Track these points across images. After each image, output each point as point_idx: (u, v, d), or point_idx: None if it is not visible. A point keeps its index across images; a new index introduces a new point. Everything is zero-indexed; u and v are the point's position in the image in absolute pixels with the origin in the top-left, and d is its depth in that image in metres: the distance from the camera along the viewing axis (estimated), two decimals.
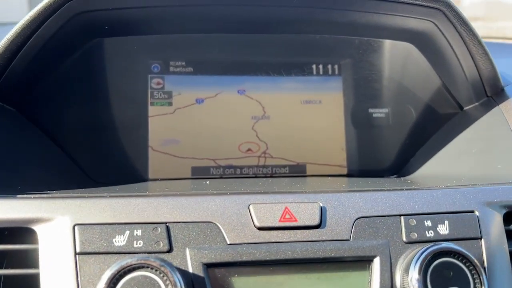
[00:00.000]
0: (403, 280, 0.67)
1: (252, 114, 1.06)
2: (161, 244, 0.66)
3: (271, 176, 1.05)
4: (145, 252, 0.65)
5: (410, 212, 0.72)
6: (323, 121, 1.08)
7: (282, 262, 0.67)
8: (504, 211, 0.75)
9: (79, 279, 0.63)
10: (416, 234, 0.71)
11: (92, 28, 0.93)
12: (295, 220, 0.69)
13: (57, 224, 0.66)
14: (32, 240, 0.67)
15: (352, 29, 1.01)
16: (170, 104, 1.04)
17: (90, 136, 1.00)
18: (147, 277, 0.61)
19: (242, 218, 0.69)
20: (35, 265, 0.65)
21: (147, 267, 0.61)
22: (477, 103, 1.00)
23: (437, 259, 0.66)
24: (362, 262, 0.69)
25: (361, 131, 1.08)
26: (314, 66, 1.09)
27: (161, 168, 1.02)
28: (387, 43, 1.06)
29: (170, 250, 0.66)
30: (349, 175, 1.06)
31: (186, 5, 0.90)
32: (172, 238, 0.66)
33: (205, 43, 1.05)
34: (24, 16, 0.83)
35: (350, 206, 0.72)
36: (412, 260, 0.66)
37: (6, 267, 0.67)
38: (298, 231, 0.69)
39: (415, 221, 0.71)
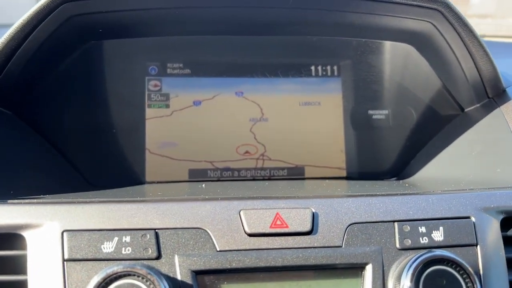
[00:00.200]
0: None
1: (250, 116, 1.05)
2: (150, 251, 0.65)
3: (269, 179, 1.04)
4: (133, 259, 0.64)
5: (404, 218, 0.71)
6: (322, 123, 1.06)
7: (273, 269, 0.66)
8: (501, 216, 0.74)
9: (66, 286, 0.63)
10: (409, 241, 0.69)
11: (87, 31, 0.93)
12: (286, 226, 0.68)
13: (46, 230, 0.66)
14: (21, 246, 0.67)
15: (350, 31, 0.99)
16: (167, 106, 1.04)
17: (87, 138, 1.00)
18: (134, 285, 0.60)
19: (233, 224, 0.68)
20: (23, 271, 0.65)
21: (134, 275, 0.60)
22: (478, 105, 0.98)
23: (430, 266, 0.65)
24: (354, 269, 0.68)
25: (360, 133, 1.07)
26: (313, 68, 1.08)
27: (158, 170, 1.02)
28: (387, 44, 1.05)
29: (158, 257, 0.65)
30: (348, 177, 1.05)
31: (181, 7, 0.89)
32: (161, 245, 0.66)
33: (202, 45, 1.04)
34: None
35: (343, 212, 0.70)
36: (404, 268, 0.65)
37: None
38: (289, 238, 0.68)
39: (409, 227, 0.70)
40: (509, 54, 1.56)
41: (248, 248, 0.67)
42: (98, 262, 0.64)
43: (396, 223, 0.70)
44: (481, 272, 0.69)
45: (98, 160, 1.00)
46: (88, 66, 1.00)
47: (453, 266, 0.65)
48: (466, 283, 0.64)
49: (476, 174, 0.88)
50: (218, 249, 0.66)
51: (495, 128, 0.92)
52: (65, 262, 0.64)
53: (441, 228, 0.70)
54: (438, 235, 0.70)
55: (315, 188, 0.94)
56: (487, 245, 0.71)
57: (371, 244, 0.69)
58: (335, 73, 1.08)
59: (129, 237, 0.66)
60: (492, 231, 0.72)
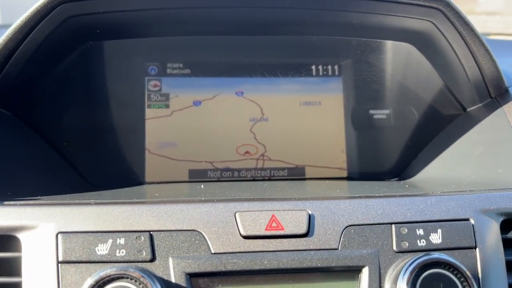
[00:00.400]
0: None
1: (250, 116, 1.05)
2: (144, 253, 0.65)
3: (269, 179, 1.03)
4: (127, 262, 0.64)
5: (401, 220, 0.70)
6: (322, 123, 1.06)
7: (268, 272, 0.66)
8: (501, 219, 0.73)
9: None
10: (407, 243, 0.68)
11: (85, 32, 0.93)
12: (282, 229, 0.68)
13: (40, 232, 0.66)
14: (16, 248, 0.66)
15: (349, 30, 0.99)
16: (167, 106, 1.04)
17: (87, 139, 1.00)
18: None
19: (228, 226, 0.67)
20: (18, 273, 0.65)
21: (127, 278, 0.60)
22: (480, 104, 0.97)
23: (427, 270, 0.64)
24: (351, 272, 0.67)
25: (361, 133, 1.06)
26: (313, 67, 1.07)
27: (158, 171, 1.01)
28: (388, 43, 1.04)
29: (153, 259, 0.65)
30: (349, 178, 1.04)
31: (179, 7, 0.89)
32: (156, 247, 0.65)
33: (202, 45, 1.04)
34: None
35: (339, 214, 0.70)
36: (401, 271, 0.64)
37: None
38: (285, 240, 0.68)
39: (406, 230, 0.69)
40: None
41: (243, 250, 0.66)
42: (92, 264, 0.64)
43: (393, 225, 0.69)
44: (479, 275, 0.68)
45: (98, 161, 1.00)
46: (87, 66, 0.99)
47: (450, 270, 0.64)
48: (463, 287, 0.63)
49: (477, 174, 0.87)
50: (213, 252, 0.66)
51: (498, 128, 0.91)
52: (59, 264, 0.64)
53: (439, 230, 0.69)
54: (436, 238, 0.69)
55: (314, 189, 0.93)
56: (486, 248, 0.70)
57: (367, 247, 0.68)
58: (336, 72, 1.07)
59: (123, 239, 0.65)
60: (492, 234, 0.71)
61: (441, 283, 0.64)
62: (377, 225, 0.69)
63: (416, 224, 0.70)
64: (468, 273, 0.64)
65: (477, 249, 0.69)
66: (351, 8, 0.90)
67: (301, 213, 0.69)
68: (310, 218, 0.69)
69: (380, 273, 0.66)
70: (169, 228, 0.67)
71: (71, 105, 0.99)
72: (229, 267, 0.65)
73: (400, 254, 0.68)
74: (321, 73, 1.07)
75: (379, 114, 1.06)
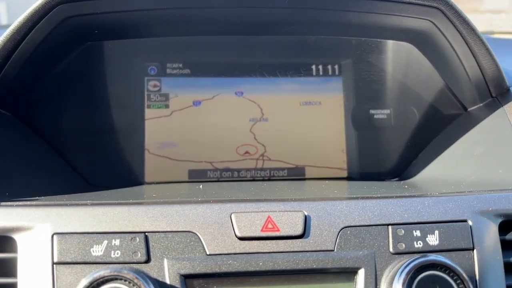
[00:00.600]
0: None
1: (250, 116, 1.05)
2: (139, 255, 0.65)
3: (269, 179, 1.03)
4: (122, 263, 0.64)
5: (398, 222, 0.69)
6: (322, 123, 1.05)
7: (263, 273, 0.66)
8: (499, 220, 0.72)
9: None
10: (403, 245, 0.68)
11: (84, 32, 0.93)
12: (278, 230, 0.68)
13: (36, 232, 0.66)
14: (12, 248, 0.67)
15: (349, 30, 0.98)
16: (167, 106, 1.04)
17: (86, 139, 1.00)
18: None
19: (223, 227, 0.67)
20: (13, 273, 0.65)
21: (121, 279, 0.60)
22: (481, 104, 0.96)
23: (423, 272, 0.64)
24: (346, 274, 0.67)
25: (361, 132, 1.05)
26: (313, 67, 1.06)
27: (157, 171, 1.01)
28: (388, 43, 1.03)
29: (147, 261, 0.65)
30: (349, 178, 1.04)
31: (177, 8, 0.89)
32: (150, 248, 0.65)
33: (202, 45, 1.04)
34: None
35: (336, 215, 0.69)
36: (397, 273, 0.64)
37: None
38: (281, 241, 0.67)
39: (403, 231, 0.69)
40: None
41: (238, 252, 0.66)
42: (87, 265, 0.64)
43: (390, 227, 0.69)
44: (477, 277, 0.67)
45: (98, 161, 1.00)
46: (86, 66, 0.99)
47: (446, 272, 0.64)
48: None
49: (478, 175, 0.87)
50: (208, 253, 0.66)
51: (498, 128, 0.90)
52: (54, 265, 0.64)
53: (436, 232, 0.69)
54: (433, 239, 0.68)
55: (312, 189, 0.93)
56: (484, 250, 0.69)
57: (364, 248, 0.68)
58: (336, 72, 1.07)
59: (118, 240, 0.65)
60: (490, 235, 0.70)
61: (437, 285, 0.63)
62: (373, 227, 0.69)
63: (413, 225, 0.69)
64: (464, 275, 0.63)
65: (474, 250, 0.69)
66: (350, 7, 0.89)
67: (297, 214, 0.69)
68: (306, 219, 0.69)
69: (376, 275, 0.66)
70: (164, 229, 0.67)
71: (70, 105, 0.99)
72: (224, 269, 0.65)
73: (397, 256, 0.67)
74: (321, 73, 1.06)
75: (380, 114, 1.06)
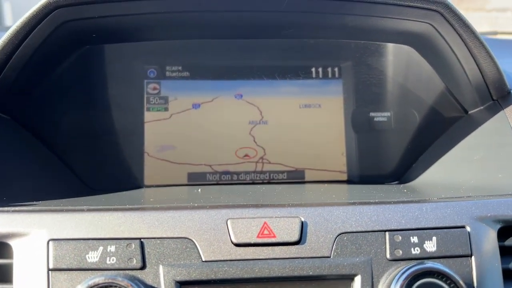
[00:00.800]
0: None
1: (249, 119, 1.04)
2: (134, 261, 0.64)
3: (268, 182, 1.03)
4: (118, 269, 0.64)
5: (395, 228, 0.69)
6: (322, 126, 1.05)
7: (259, 280, 0.65)
8: (498, 226, 0.71)
9: None
10: (401, 251, 0.67)
11: (82, 36, 0.92)
12: (274, 236, 0.67)
13: (32, 239, 0.66)
14: (7, 254, 0.67)
15: (348, 33, 0.97)
16: (166, 109, 1.03)
17: (85, 142, 1.00)
18: None
19: (219, 233, 0.67)
20: (9, 279, 0.65)
21: (115, 286, 0.60)
22: (482, 107, 0.95)
23: (420, 279, 0.63)
24: (343, 281, 0.66)
25: (361, 135, 1.05)
26: (313, 69, 1.06)
27: (157, 174, 1.01)
28: (388, 46, 1.03)
29: (143, 267, 0.64)
30: (349, 181, 1.03)
31: (174, 12, 0.88)
32: (146, 255, 0.65)
33: (201, 48, 1.03)
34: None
35: (332, 221, 0.69)
36: (393, 280, 0.63)
37: None
38: (277, 248, 0.67)
39: (400, 237, 0.68)
40: None
41: (234, 258, 0.66)
42: (82, 272, 0.64)
43: (387, 233, 0.68)
44: (475, 284, 0.67)
45: (97, 164, 1.00)
46: (85, 70, 0.99)
47: (443, 279, 0.63)
48: None
49: (478, 179, 0.86)
50: (203, 260, 0.65)
51: (499, 131, 0.89)
52: (50, 272, 0.64)
53: (434, 238, 0.68)
54: (430, 246, 0.68)
55: (310, 194, 0.92)
56: (482, 256, 0.68)
57: (360, 255, 0.67)
58: (336, 74, 1.06)
59: (114, 246, 0.65)
60: (488, 241, 0.70)
61: None
62: (370, 233, 0.68)
63: (410, 231, 0.69)
64: (461, 282, 0.63)
65: (472, 257, 0.68)
66: (350, 11, 0.88)
67: (293, 220, 0.68)
68: (303, 225, 0.68)
69: (372, 282, 0.66)
70: (160, 236, 0.66)
71: (69, 108, 0.99)
72: (220, 275, 0.64)
73: (394, 262, 0.67)
74: (321, 76, 1.06)
75: (380, 116, 1.05)
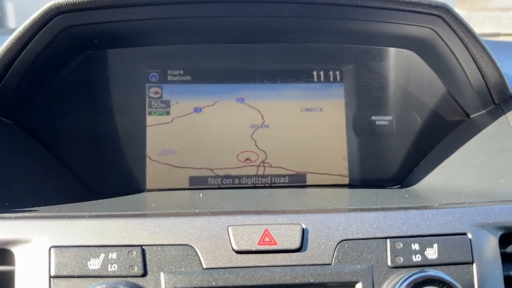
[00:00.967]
0: None
1: (251, 123, 1.04)
2: (136, 268, 0.65)
3: (270, 186, 1.03)
4: (119, 276, 0.64)
5: (397, 235, 0.69)
6: (324, 129, 1.05)
7: (260, 287, 0.65)
8: (500, 233, 0.71)
9: None
10: (402, 259, 0.67)
11: (84, 41, 0.93)
12: (275, 243, 0.67)
13: (34, 245, 0.66)
14: (9, 261, 0.67)
15: (350, 38, 0.97)
16: (168, 113, 1.03)
17: (88, 146, 1.00)
18: None
19: (220, 240, 0.67)
20: (11, 286, 0.65)
21: None
22: (484, 111, 0.95)
23: (421, 287, 0.63)
24: None
25: (363, 139, 1.04)
26: (315, 73, 1.06)
27: (158, 178, 1.01)
28: (390, 50, 1.02)
29: (144, 274, 0.65)
30: (350, 185, 1.03)
31: (176, 17, 0.88)
32: (147, 262, 0.65)
33: (203, 52, 1.03)
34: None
35: (334, 228, 0.69)
36: None
37: None
38: (278, 255, 0.67)
39: (401, 244, 0.68)
40: None
41: (235, 265, 0.66)
42: (84, 279, 0.64)
43: (388, 240, 0.68)
44: None
45: (99, 168, 1.00)
46: (87, 74, 1.00)
47: (445, 287, 0.63)
48: None
49: (479, 184, 0.86)
50: (204, 267, 0.66)
51: (501, 136, 0.89)
52: (51, 279, 0.64)
53: (435, 245, 0.68)
54: (432, 253, 0.68)
55: (312, 198, 0.92)
56: (483, 263, 0.68)
57: (361, 262, 0.67)
58: (338, 78, 1.06)
59: (115, 253, 0.65)
60: (490, 248, 0.69)
61: None
62: (371, 240, 0.68)
63: (411, 238, 0.69)
64: None
65: (474, 264, 0.68)
66: (351, 16, 0.88)
67: (294, 227, 0.68)
68: (304, 233, 0.68)
69: None
70: (161, 243, 0.66)
71: (71, 113, 1.00)
72: (221, 283, 0.65)
73: (395, 270, 0.67)
74: (322, 79, 1.06)
75: (381, 120, 1.05)
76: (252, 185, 1.03)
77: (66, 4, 0.81)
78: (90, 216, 0.70)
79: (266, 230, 0.68)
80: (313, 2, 0.84)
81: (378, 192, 0.94)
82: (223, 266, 0.66)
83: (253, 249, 0.67)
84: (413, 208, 0.73)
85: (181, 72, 1.04)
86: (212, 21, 0.92)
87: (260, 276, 0.65)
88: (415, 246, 0.68)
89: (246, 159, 1.03)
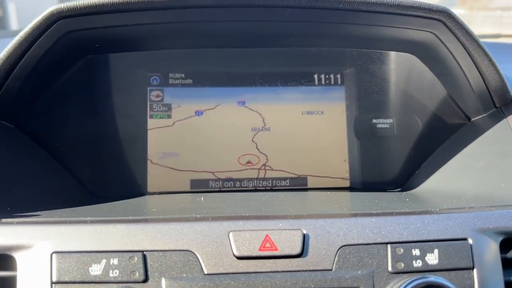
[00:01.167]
0: None
1: (252, 126, 1.04)
2: (137, 274, 0.65)
3: (271, 189, 1.03)
4: (120, 282, 0.64)
5: (397, 240, 0.69)
6: (325, 132, 1.05)
7: None
8: (500, 238, 0.71)
9: None
10: (402, 264, 0.67)
11: (85, 46, 0.93)
12: (276, 249, 0.67)
13: (36, 251, 0.66)
14: (11, 267, 0.67)
15: (350, 42, 0.97)
16: (169, 116, 1.04)
17: (89, 150, 1.00)
18: None
19: (221, 246, 0.67)
20: None
21: None
22: (485, 114, 0.95)
23: None
24: None
25: (364, 142, 1.05)
26: (316, 76, 1.06)
27: (160, 181, 1.02)
28: (391, 54, 1.03)
29: (145, 280, 0.65)
30: (351, 188, 1.03)
31: (177, 22, 0.89)
32: (149, 268, 0.65)
33: (204, 56, 1.04)
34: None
35: (334, 233, 0.69)
36: None
37: None
38: (279, 261, 0.67)
39: (402, 250, 0.68)
40: None
41: (236, 271, 0.66)
42: (85, 285, 0.64)
43: (389, 245, 0.68)
44: None
45: (100, 171, 1.00)
46: (89, 78, 1.00)
47: None
48: None
49: (480, 188, 0.86)
50: (205, 272, 0.66)
51: (502, 139, 0.89)
52: (53, 285, 0.64)
53: (436, 250, 0.68)
54: (432, 258, 0.68)
55: (312, 203, 0.92)
56: (484, 269, 0.68)
57: (362, 268, 0.67)
58: (339, 81, 1.06)
59: (117, 259, 0.65)
60: (490, 254, 0.69)
61: None
62: (372, 245, 0.68)
63: (412, 244, 0.69)
64: None
65: (474, 270, 0.68)
66: (352, 20, 0.88)
67: (295, 233, 0.68)
68: (305, 238, 0.68)
69: None
70: (163, 248, 0.67)
71: (73, 117, 1.00)
72: None
73: (395, 275, 0.67)
74: (323, 82, 1.06)
75: (382, 123, 1.05)
76: (253, 188, 1.03)
77: (68, 9, 0.82)
78: (92, 221, 0.70)
79: (267, 235, 0.68)
80: (314, 7, 0.84)
81: (379, 195, 0.94)
82: (224, 271, 0.66)
83: (254, 254, 0.67)
84: (413, 213, 0.73)
85: (183, 75, 1.05)
86: (213, 26, 0.92)
87: (261, 282, 0.65)
88: (416, 252, 0.68)
89: (247, 162, 1.04)
